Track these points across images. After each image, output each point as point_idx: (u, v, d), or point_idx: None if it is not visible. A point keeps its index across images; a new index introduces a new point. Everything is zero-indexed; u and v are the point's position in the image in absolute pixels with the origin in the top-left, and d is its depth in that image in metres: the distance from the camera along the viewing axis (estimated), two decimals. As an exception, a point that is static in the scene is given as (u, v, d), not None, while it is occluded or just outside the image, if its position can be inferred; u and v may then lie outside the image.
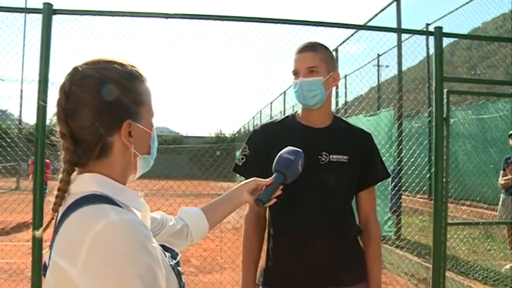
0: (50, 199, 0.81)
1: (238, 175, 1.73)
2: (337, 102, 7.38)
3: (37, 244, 2.49)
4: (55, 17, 2.58)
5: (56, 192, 0.81)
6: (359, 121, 5.87)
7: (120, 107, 0.83)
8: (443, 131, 2.85)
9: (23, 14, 2.85)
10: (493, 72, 10.91)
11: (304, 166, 1.28)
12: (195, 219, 1.16)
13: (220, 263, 5.64)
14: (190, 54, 3.61)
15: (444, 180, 2.84)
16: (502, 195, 5.17)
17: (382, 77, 9.07)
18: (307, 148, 1.34)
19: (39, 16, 2.54)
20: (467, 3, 7.28)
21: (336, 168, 1.53)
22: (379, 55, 8.47)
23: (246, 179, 1.29)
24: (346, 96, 8.64)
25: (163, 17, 2.75)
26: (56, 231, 0.77)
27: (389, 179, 5.13)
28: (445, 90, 2.87)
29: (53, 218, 0.82)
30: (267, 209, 1.62)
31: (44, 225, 0.83)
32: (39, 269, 2.47)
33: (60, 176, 0.82)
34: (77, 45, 2.99)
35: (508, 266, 4.95)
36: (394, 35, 6.20)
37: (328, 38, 6.23)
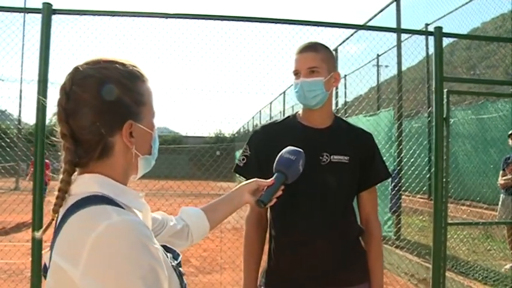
0: (50, 199, 0.81)
1: (238, 175, 1.73)
2: (336, 103, 7.38)
3: (36, 244, 2.48)
4: (54, 17, 2.58)
5: (56, 193, 0.80)
6: (359, 121, 5.86)
7: (121, 107, 0.83)
8: (443, 131, 2.85)
9: (23, 14, 2.84)
10: (492, 72, 10.92)
11: (305, 166, 1.27)
12: (195, 219, 1.16)
13: (220, 263, 5.64)
14: (190, 54, 3.61)
15: (444, 180, 2.84)
16: (501, 195, 5.17)
17: (381, 77, 9.07)
18: (308, 148, 1.34)
19: (39, 16, 2.54)
20: (466, 3, 7.29)
21: (337, 169, 1.53)
22: (378, 55, 8.47)
23: (247, 179, 1.29)
24: (345, 96, 8.64)
25: (163, 17, 2.75)
26: (56, 232, 0.77)
27: (389, 179, 5.13)
28: (445, 90, 2.87)
29: (53, 219, 0.81)
30: (268, 210, 1.62)
31: (44, 226, 0.83)
32: (38, 270, 2.47)
33: (61, 176, 0.81)
34: (77, 45, 2.99)
35: (507, 266, 4.95)
36: (394, 35, 6.20)
37: (328, 38, 6.24)
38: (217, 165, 8.28)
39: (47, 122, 2.56)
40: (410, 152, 5.01)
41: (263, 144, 1.59)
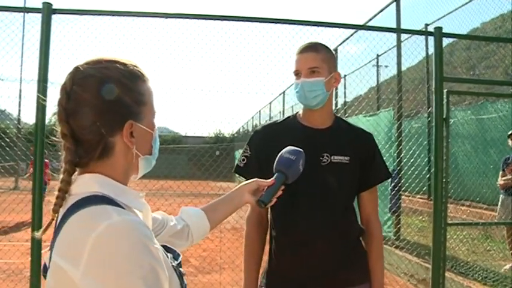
0: (50, 199, 0.81)
1: (238, 175, 1.72)
2: (336, 103, 7.38)
3: (36, 244, 2.48)
4: (54, 17, 2.58)
5: (56, 193, 0.80)
6: (358, 121, 5.86)
7: (122, 106, 0.82)
8: (443, 131, 2.85)
9: (22, 14, 2.84)
10: (492, 73, 10.93)
11: (305, 167, 1.27)
12: (195, 219, 1.16)
13: (220, 263, 5.64)
14: (190, 54, 3.61)
15: (444, 180, 2.84)
16: (501, 195, 5.17)
17: (381, 77, 9.07)
18: (308, 149, 1.34)
19: (39, 15, 2.54)
20: (466, 3, 7.29)
21: (337, 169, 1.53)
22: (378, 55, 8.47)
23: (247, 180, 1.29)
24: (345, 97, 8.64)
25: (163, 17, 2.75)
26: (56, 232, 0.77)
27: (389, 180, 5.13)
28: (445, 91, 2.87)
29: (53, 219, 0.81)
30: (269, 210, 1.61)
31: (44, 227, 0.82)
32: (38, 269, 2.47)
33: (61, 176, 0.81)
34: (77, 45, 2.99)
35: (507, 267, 4.95)
36: (394, 35, 6.21)
37: (328, 38, 6.24)
38: (217, 165, 8.29)
39: (47, 121, 2.56)
40: (410, 152, 5.01)
41: (263, 144, 1.59)
